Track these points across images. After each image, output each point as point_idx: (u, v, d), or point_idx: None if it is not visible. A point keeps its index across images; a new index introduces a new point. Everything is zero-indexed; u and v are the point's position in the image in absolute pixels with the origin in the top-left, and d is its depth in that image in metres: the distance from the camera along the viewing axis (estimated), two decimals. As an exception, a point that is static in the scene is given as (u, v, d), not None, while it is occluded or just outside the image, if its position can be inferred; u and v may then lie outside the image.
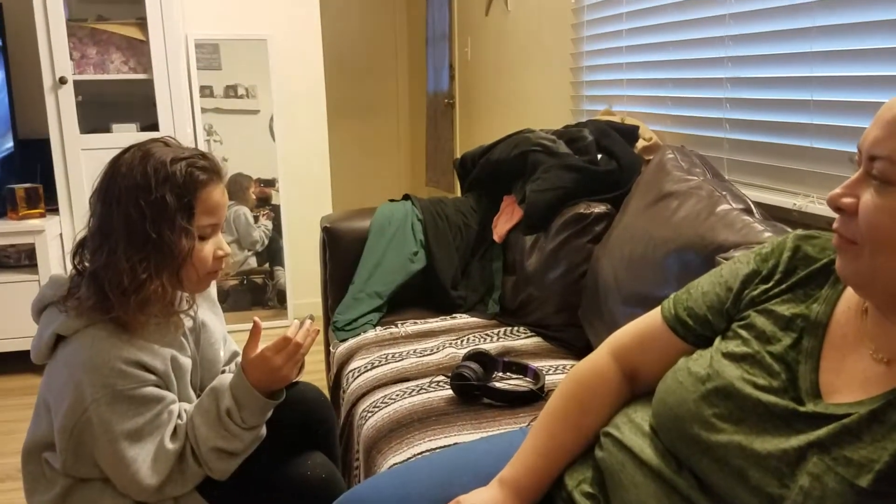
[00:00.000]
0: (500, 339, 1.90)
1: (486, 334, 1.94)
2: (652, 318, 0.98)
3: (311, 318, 1.39)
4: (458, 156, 2.97)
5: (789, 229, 1.33)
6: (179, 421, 1.25)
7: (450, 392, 1.56)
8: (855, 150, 1.39)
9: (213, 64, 3.30)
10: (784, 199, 1.58)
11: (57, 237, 2.97)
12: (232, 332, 1.58)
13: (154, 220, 1.18)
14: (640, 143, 2.07)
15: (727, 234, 1.38)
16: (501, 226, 2.24)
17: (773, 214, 1.50)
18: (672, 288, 1.38)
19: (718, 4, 1.79)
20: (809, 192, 1.54)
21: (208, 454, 1.23)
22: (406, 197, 2.41)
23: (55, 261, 2.91)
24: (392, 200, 2.40)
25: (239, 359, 1.39)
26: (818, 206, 1.48)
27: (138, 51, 3.01)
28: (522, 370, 1.65)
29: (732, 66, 1.77)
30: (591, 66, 2.51)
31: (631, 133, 2.08)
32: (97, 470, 1.21)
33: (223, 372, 1.45)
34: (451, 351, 1.81)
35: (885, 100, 1.33)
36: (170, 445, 1.21)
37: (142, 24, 2.94)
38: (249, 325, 1.31)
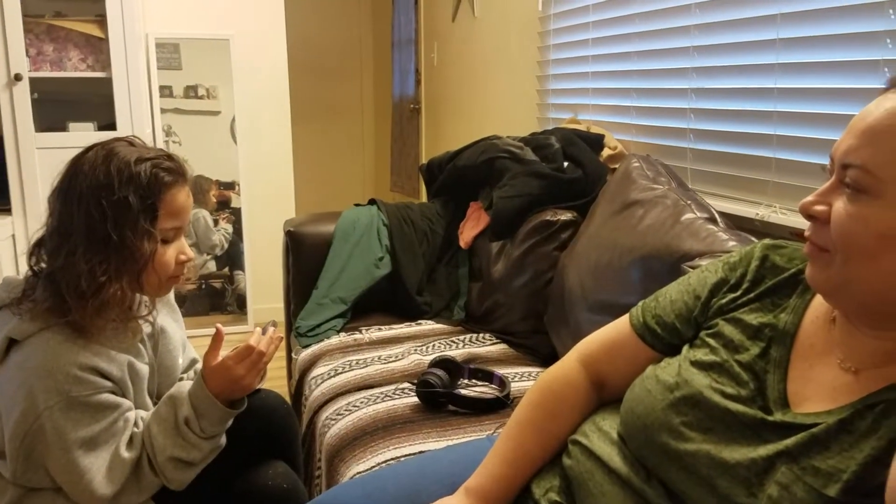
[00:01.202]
0: (466, 346, 1.89)
1: (452, 341, 1.93)
2: (620, 326, 0.98)
3: (274, 324, 1.37)
4: (424, 161, 2.96)
5: (754, 238, 1.35)
6: (136, 429, 1.21)
7: (415, 399, 1.55)
8: (819, 161, 1.42)
9: (174, 63, 3.23)
10: (747, 209, 1.60)
11: (9, 238, 2.87)
12: (189, 337, 1.54)
13: (116, 222, 1.14)
14: (606, 152, 2.08)
15: (692, 243, 1.39)
16: (468, 232, 2.23)
17: (737, 224, 1.52)
18: (638, 296, 1.39)
19: (684, 16, 1.82)
20: (772, 203, 1.56)
21: (165, 463, 1.20)
22: (372, 201, 2.39)
23: (7, 263, 2.81)
24: (358, 205, 2.37)
25: (198, 366, 1.35)
26: (781, 216, 1.50)
27: (97, 48, 2.93)
28: (488, 377, 1.64)
29: (697, 76, 1.79)
30: (558, 74, 2.53)
31: (597, 141, 2.09)
32: (49, 479, 1.17)
33: (181, 379, 1.41)
34: (417, 357, 1.79)
35: (847, 111, 1.37)
36: (125, 454, 1.18)
37: (101, 21, 2.86)
38: (208, 331, 1.28)
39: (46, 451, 1.14)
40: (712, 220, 1.45)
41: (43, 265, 1.19)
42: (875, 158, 0.68)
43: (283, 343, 2.33)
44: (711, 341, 0.85)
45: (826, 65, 1.41)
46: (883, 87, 0.73)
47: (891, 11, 1.25)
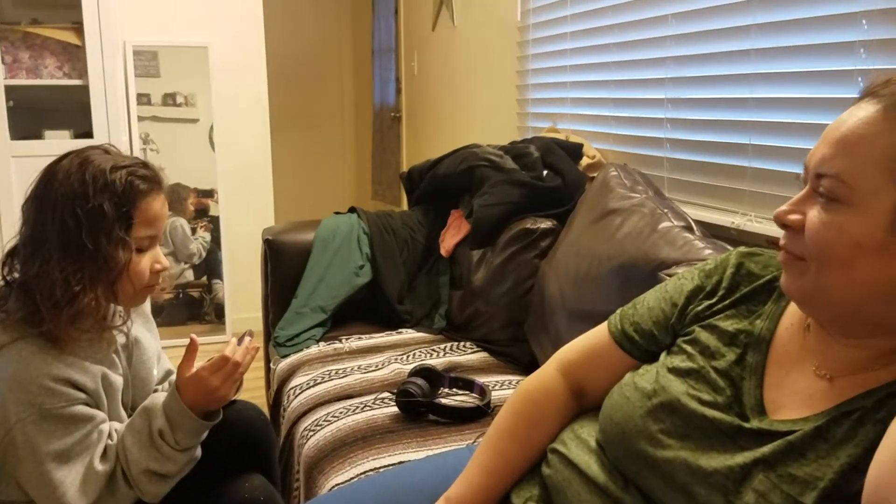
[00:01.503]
0: (447, 355, 1.89)
1: (433, 349, 1.92)
2: (599, 334, 0.98)
3: (250, 333, 1.35)
4: (405, 169, 2.96)
5: (729, 247, 1.36)
6: (110, 441, 1.20)
7: (395, 409, 1.54)
8: (793, 170, 1.44)
9: (152, 71, 3.20)
10: (723, 218, 1.62)
11: (-19, 247, 2.82)
12: (166, 347, 1.52)
13: (91, 230, 1.13)
14: (585, 161, 2.09)
15: (669, 251, 1.40)
16: (448, 240, 2.23)
17: (713, 232, 1.54)
18: (616, 303, 1.39)
19: (659, 27, 1.84)
20: (747, 211, 1.58)
21: (139, 476, 1.18)
22: (352, 210, 2.38)
23: (-22, 272, 2.76)
24: (338, 213, 2.36)
25: (173, 377, 1.34)
26: (756, 225, 1.52)
27: (73, 56, 2.90)
28: (469, 386, 1.64)
29: (673, 86, 1.81)
30: (537, 83, 2.54)
31: (575, 150, 2.10)
32: (21, 492, 1.15)
33: (156, 391, 1.39)
34: (397, 367, 1.78)
35: (821, 121, 1.39)
36: (99, 467, 1.16)
37: (78, 28, 2.84)
38: (185, 341, 1.26)
39: (18, 464, 1.11)
40: (689, 228, 1.46)
41: (16, 275, 1.17)
42: (849, 168, 0.68)
43: (262, 353, 2.32)
44: (688, 348, 0.85)
45: (800, 75, 1.43)
46: (856, 96, 0.74)
47: (864, 22, 1.27)
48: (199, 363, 1.25)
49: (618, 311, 0.99)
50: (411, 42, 3.87)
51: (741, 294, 0.86)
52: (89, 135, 2.87)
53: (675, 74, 1.80)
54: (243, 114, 3.42)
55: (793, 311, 0.82)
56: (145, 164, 1.22)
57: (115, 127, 2.91)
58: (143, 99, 3.20)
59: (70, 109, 2.96)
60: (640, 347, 0.93)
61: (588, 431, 0.92)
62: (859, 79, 1.29)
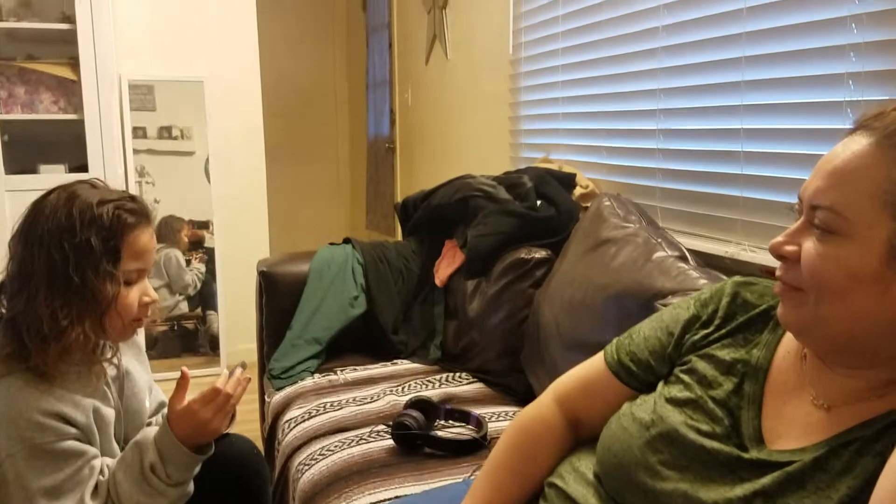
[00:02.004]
0: (443, 386, 1.87)
1: (428, 380, 1.91)
2: (595, 364, 0.98)
3: (244, 365, 1.34)
4: (399, 200, 2.98)
5: (724, 276, 1.37)
6: (101, 477, 1.18)
7: (391, 442, 1.52)
8: (785, 200, 1.45)
9: (148, 105, 3.23)
10: (716, 247, 1.63)
11: (-27, 281, 2.80)
12: (161, 380, 1.50)
13: (78, 264, 1.13)
14: (578, 191, 2.11)
15: (664, 281, 1.40)
16: (443, 270, 2.23)
17: (707, 262, 1.54)
18: (612, 333, 1.39)
19: (650, 59, 1.86)
20: (741, 241, 1.59)
21: (131, 512, 1.16)
22: (347, 240, 2.38)
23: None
24: (332, 244, 2.36)
25: (166, 410, 1.32)
26: (750, 254, 1.52)
27: (69, 91, 2.92)
28: (465, 417, 1.62)
29: (664, 118, 1.83)
30: (529, 115, 2.57)
31: (568, 180, 2.12)
32: (11, 530, 1.13)
33: (149, 424, 1.38)
34: (393, 398, 1.77)
35: (811, 151, 1.40)
36: (90, 503, 1.14)
37: (73, 63, 2.86)
38: (179, 374, 1.25)
39: (8, 500, 1.10)
40: (683, 258, 1.47)
41: (3, 310, 1.17)
42: (843, 199, 0.69)
43: (256, 385, 2.30)
44: (685, 377, 0.85)
45: (790, 106, 1.45)
46: (849, 127, 0.75)
47: (852, 54, 1.30)
48: (192, 396, 1.24)
49: (614, 340, 0.99)
50: (405, 75, 3.91)
51: (737, 323, 0.86)
52: (84, 168, 2.88)
53: (666, 105, 1.82)
54: (239, 146, 3.44)
55: (789, 341, 0.82)
56: (133, 198, 1.22)
57: (110, 160, 2.92)
58: (139, 132, 3.21)
59: (65, 143, 2.97)
60: (637, 377, 0.92)
61: (586, 464, 0.91)
62: (848, 110, 1.31)
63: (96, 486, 1.16)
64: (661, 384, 0.89)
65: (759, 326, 0.85)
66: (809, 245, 0.72)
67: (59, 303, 1.12)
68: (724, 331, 0.86)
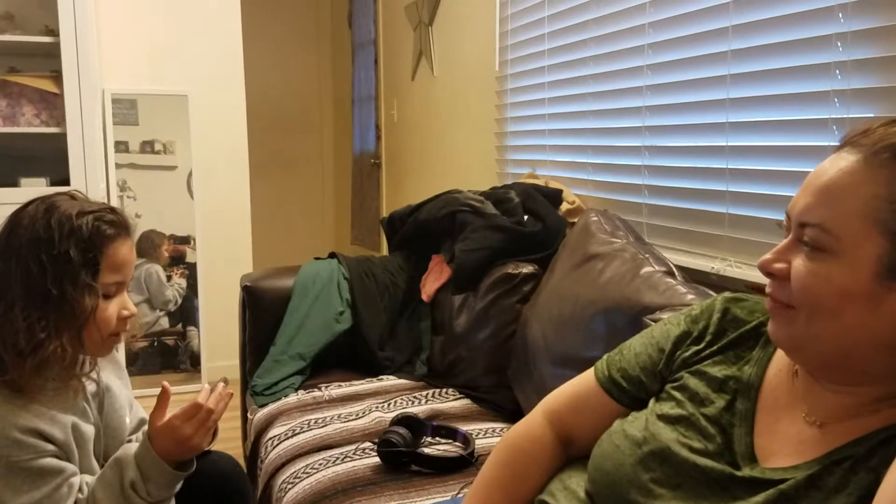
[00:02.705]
0: (429, 402, 1.86)
1: (415, 397, 1.89)
2: (585, 380, 0.97)
3: (225, 381, 1.32)
4: (384, 215, 2.96)
5: (711, 292, 1.37)
6: (80, 495, 1.16)
7: (376, 460, 1.50)
8: (771, 217, 1.46)
9: (130, 119, 3.20)
10: (703, 263, 1.63)
11: (-51, 296, 2.75)
12: (140, 397, 1.48)
13: (56, 276, 1.11)
14: (564, 206, 2.11)
15: (652, 296, 1.40)
16: (430, 285, 2.22)
17: (693, 277, 1.54)
18: (600, 348, 1.39)
19: (637, 77, 1.87)
20: (727, 257, 1.59)
21: (111, 532, 1.13)
22: (332, 255, 2.36)
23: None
24: (318, 258, 2.35)
25: (146, 427, 1.30)
26: (736, 270, 1.53)
27: (51, 104, 2.89)
28: (452, 434, 1.61)
29: (651, 135, 1.84)
30: (516, 131, 2.58)
31: (555, 196, 2.12)
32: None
33: (129, 441, 1.35)
34: (378, 415, 1.75)
35: (797, 168, 1.41)
36: (68, 523, 1.11)
37: (56, 77, 2.83)
38: (159, 390, 1.23)
39: (-18, 521, 1.07)
40: (670, 273, 1.47)
41: None
42: (832, 217, 0.69)
43: (238, 402, 2.26)
44: (677, 394, 0.84)
45: (776, 123, 1.46)
46: (835, 144, 0.75)
47: (837, 72, 1.31)
48: (171, 413, 1.22)
49: (604, 357, 0.98)
50: (391, 90, 3.92)
51: (728, 340, 0.86)
52: (66, 182, 2.84)
53: (652, 122, 1.83)
54: (222, 160, 3.42)
55: (780, 357, 0.81)
56: (113, 210, 1.21)
57: (92, 174, 2.88)
58: (121, 146, 3.18)
59: (47, 157, 2.93)
60: (629, 394, 0.92)
61: (577, 481, 0.90)
62: (834, 127, 1.32)
63: (75, 505, 1.13)
64: (652, 401, 0.88)
65: (751, 343, 0.85)
66: (799, 263, 0.71)
67: (37, 315, 1.10)
68: (715, 347, 0.86)
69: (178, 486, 1.23)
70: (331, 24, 5.25)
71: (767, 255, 0.75)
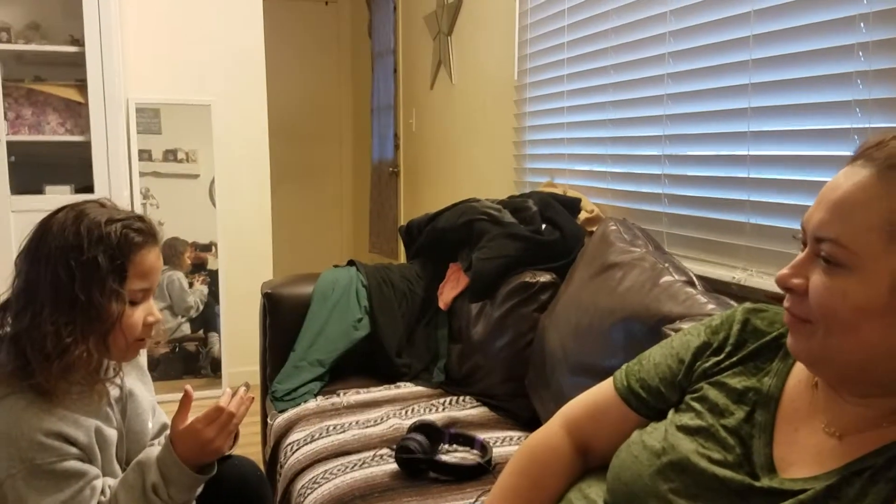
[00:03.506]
0: (446, 409, 1.86)
1: (432, 404, 1.89)
2: (604, 390, 0.97)
3: (247, 385, 1.34)
4: (402, 223, 2.98)
5: (732, 301, 1.36)
6: (102, 498, 1.17)
7: (394, 466, 1.51)
8: (792, 227, 1.45)
9: (153, 128, 3.25)
10: (723, 273, 1.62)
11: (-23, 301, 2.80)
12: (162, 402, 1.49)
13: (84, 282, 1.13)
14: (583, 215, 2.11)
15: (671, 306, 1.39)
16: (447, 293, 2.22)
17: (714, 287, 1.53)
18: (619, 357, 1.39)
19: (656, 85, 1.87)
20: (748, 266, 1.58)
21: (133, 534, 1.15)
22: (351, 262, 2.38)
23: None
24: (336, 266, 2.36)
25: (168, 431, 1.32)
26: (757, 280, 1.52)
27: (76, 113, 2.94)
28: (469, 442, 1.61)
29: (670, 143, 1.84)
30: (534, 139, 2.58)
31: (573, 205, 2.12)
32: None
33: (151, 445, 1.37)
34: (396, 422, 1.75)
35: (818, 178, 1.40)
36: (91, 525, 1.13)
37: (81, 86, 2.88)
38: (181, 395, 1.25)
39: (7, 522, 1.09)
40: (690, 283, 1.46)
41: (7, 329, 1.17)
42: (847, 232, 0.69)
43: (258, 408, 2.28)
44: (697, 405, 0.84)
45: (797, 132, 1.46)
46: (850, 154, 0.75)
47: (859, 82, 1.30)
48: (192, 417, 1.23)
49: (623, 366, 0.98)
50: (410, 99, 3.94)
51: (748, 351, 0.85)
52: (90, 189, 2.89)
53: (672, 132, 1.82)
54: (244, 169, 3.46)
55: (800, 369, 0.81)
56: (141, 218, 1.23)
57: (115, 182, 2.93)
58: (145, 155, 3.23)
59: (71, 165, 2.99)
60: (647, 404, 0.91)
61: (596, 491, 0.90)
62: (855, 137, 1.31)
63: (97, 508, 1.15)
64: (671, 412, 0.88)
65: (770, 354, 0.84)
66: (816, 278, 0.71)
67: (64, 320, 1.11)
68: (735, 358, 0.86)
69: (199, 490, 1.24)
70: (351, 34, 5.29)
71: (785, 270, 0.75)
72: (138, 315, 1.20)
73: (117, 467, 1.25)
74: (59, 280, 1.12)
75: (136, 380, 1.36)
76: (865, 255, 0.68)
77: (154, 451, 1.23)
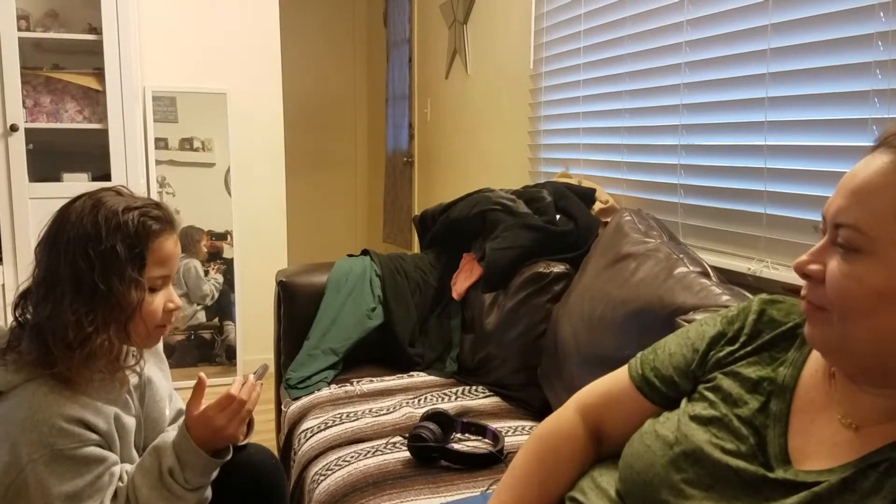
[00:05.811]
0: (459, 399, 1.87)
1: (444, 393, 1.90)
2: (618, 378, 0.97)
3: (265, 367, 1.35)
4: (417, 213, 2.98)
5: (747, 293, 1.35)
6: (120, 483, 1.19)
7: (406, 454, 1.52)
8: (809, 217, 1.44)
9: (170, 116, 3.26)
10: (739, 264, 1.61)
11: (-2, 288, 2.84)
12: (177, 388, 1.51)
13: (103, 271, 1.13)
14: (597, 206, 2.10)
15: (686, 297, 1.39)
16: (460, 283, 2.23)
17: (729, 278, 1.52)
18: (632, 348, 1.38)
19: (673, 75, 1.86)
20: (764, 258, 1.57)
21: (150, 518, 1.16)
22: (365, 252, 2.39)
23: (-5, 313, 2.78)
24: (351, 255, 2.37)
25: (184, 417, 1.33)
26: (773, 271, 1.51)
27: (94, 101, 2.97)
28: (481, 431, 1.61)
29: (687, 133, 1.82)
30: (549, 129, 2.57)
31: (588, 195, 2.11)
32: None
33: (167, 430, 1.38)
34: (409, 410, 1.76)
35: (836, 168, 1.39)
36: (109, 509, 1.14)
37: (99, 74, 2.90)
38: (195, 381, 1.26)
39: (28, 505, 1.10)
40: (705, 274, 1.46)
41: (28, 316, 1.18)
42: (865, 218, 0.69)
43: (273, 395, 2.30)
44: (710, 395, 0.84)
45: (815, 123, 1.44)
46: (871, 144, 0.74)
47: (878, 72, 1.29)
48: (206, 403, 1.24)
49: (638, 355, 0.98)
50: (425, 89, 3.93)
51: (764, 341, 0.85)
52: (107, 177, 2.92)
53: (688, 121, 1.81)
54: (259, 158, 3.47)
55: (816, 359, 0.81)
56: (158, 205, 1.23)
57: (132, 170, 2.95)
58: (161, 143, 3.25)
59: (89, 153, 3.01)
60: (661, 393, 0.91)
61: (607, 480, 0.90)
62: (874, 127, 1.30)
63: (116, 493, 1.17)
64: (684, 401, 0.88)
65: (786, 344, 0.84)
66: (834, 265, 0.71)
67: (85, 309, 1.12)
68: (749, 348, 0.85)
69: (215, 474, 1.26)
70: (366, 23, 5.29)
71: (803, 257, 0.74)
72: (158, 302, 1.21)
73: (135, 454, 1.26)
74: (78, 270, 1.13)
75: (153, 366, 1.37)
76: (883, 240, 0.67)
77: (170, 435, 1.25)
